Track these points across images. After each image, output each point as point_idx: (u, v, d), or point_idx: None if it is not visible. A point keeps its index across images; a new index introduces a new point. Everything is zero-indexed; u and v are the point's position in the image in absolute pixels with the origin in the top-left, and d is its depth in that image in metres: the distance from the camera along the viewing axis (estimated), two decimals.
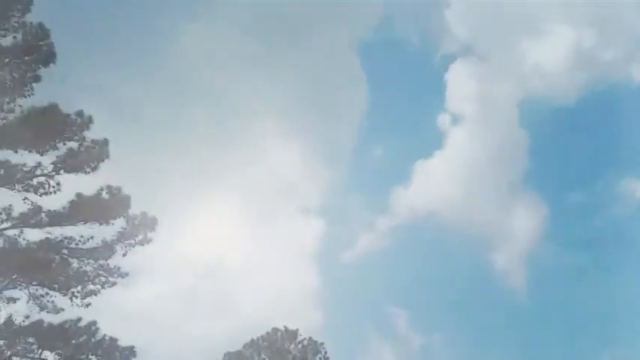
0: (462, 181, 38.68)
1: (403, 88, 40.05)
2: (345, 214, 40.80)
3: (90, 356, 17.48)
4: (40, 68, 17.13)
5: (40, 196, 17.24)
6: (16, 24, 16.84)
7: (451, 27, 39.60)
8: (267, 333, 32.68)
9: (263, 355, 32.07)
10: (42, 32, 17.03)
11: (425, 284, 37.57)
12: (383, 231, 38.21)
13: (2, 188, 17.00)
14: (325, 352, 31.83)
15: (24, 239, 17.29)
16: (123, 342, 17.87)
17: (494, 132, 38.59)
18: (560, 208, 35.55)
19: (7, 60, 16.82)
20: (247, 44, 38.12)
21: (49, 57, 17.09)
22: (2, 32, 16.76)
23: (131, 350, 17.88)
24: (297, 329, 33.26)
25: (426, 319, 36.14)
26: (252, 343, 31.93)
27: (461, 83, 37.73)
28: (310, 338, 32.79)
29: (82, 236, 17.60)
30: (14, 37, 16.88)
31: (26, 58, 16.91)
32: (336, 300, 36.91)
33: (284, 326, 33.09)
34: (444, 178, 37.98)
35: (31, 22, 16.85)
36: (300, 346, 33.01)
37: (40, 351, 17.39)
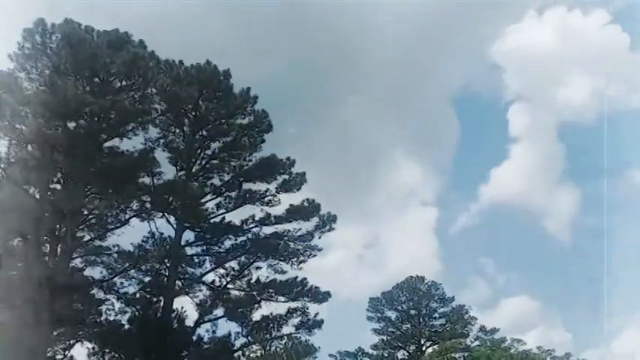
0: (522, 178, 57.42)
1: (483, 122, 58.57)
2: (449, 204, 60.38)
3: (304, 298, 28.54)
4: (264, 134, 28.32)
5: (269, 207, 28.51)
6: (249, 110, 28.05)
7: (507, 83, 59.55)
8: (406, 279, 47.72)
9: (405, 292, 46.68)
10: (263, 113, 28.03)
11: (502, 244, 58.42)
12: (474, 213, 57.56)
13: (249, 205, 28.45)
14: (443, 289, 46.28)
15: (262, 233, 28.63)
16: (322, 288, 28.70)
17: (540, 147, 57.79)
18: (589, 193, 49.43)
19: (245, 132, 28.13)
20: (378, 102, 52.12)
21: (268, 128, 28.16)
22: (242, 116, 28.06)
23: (327, 293, 28.61)
24: (424, 276, 48.13)
25: (504, 264, 55.76)
26: (397, 286, 47.44)
27: (517, 117, 56.44)
28: (432, 281, 47.74)
29: (294, 229, 28.42)
30: (249, 118, 28.20)
31: (256, 129, 28.11)
32: (447, 257, 54.71)
33: (416, 274, 48.59)
34: (511, 178, 56.39)
35: (257, 109, 28.06)
36: (425, 286, 48.39)
37: (276, 296, 28.63)
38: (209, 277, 27.82)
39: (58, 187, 24.47)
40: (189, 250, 27.69)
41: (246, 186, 28.02)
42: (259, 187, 28.03)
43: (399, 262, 56.98)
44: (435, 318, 49.29)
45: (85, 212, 24.50)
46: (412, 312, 49.08)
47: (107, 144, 25.05)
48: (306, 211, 28.21)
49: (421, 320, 49.02)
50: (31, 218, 22.74)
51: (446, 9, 52.09)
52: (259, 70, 42.50)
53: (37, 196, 23.88)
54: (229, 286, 27.68)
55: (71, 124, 24.29)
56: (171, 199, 26.23)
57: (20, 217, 22.61)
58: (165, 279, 26.28)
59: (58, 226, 24.00)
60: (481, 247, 59.39)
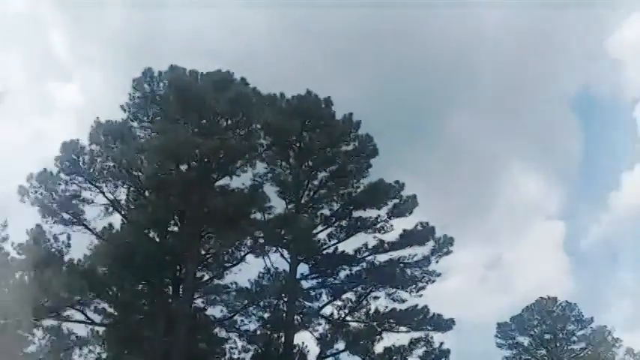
0: None
1: (607, 124, 56.63)
2: (577, 216, 61.11)
3: (427, 327, 29.23)
4: (369, 159, 29.64)
5: (382, 234, 29.63)
6: (353, 136, 29.50)
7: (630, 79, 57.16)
8: (536, 301, 46.63)
9: (536, 316, 45.49)
10: (368, 138, 29.38)
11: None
12: (606, 223, 56.40)
13: (361, 233, 29.73)
14: (579, 309, 44.46)
15: (377, 261, 29.71)
16: (445, 315, 29.03)
17: None
18: None
19: (351, 158, 29.57)
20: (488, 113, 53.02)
21: (374, 152, 29.45)
22: (346, 143, 29.55)
23: (451, 320, 29.12)
24: (556, 296, 46.81)
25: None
26: (527, 309, 46.39)
27: None
28: (566, 301, 46.25)
29: (410, 254, 29.34)
30: (353, 144, 29.65)
31: (362, 155, 29.47)
32: (581, 274, 54.12)
33: (547, 295, 47.27)
34: None
35: (361, 134, 29.44)
36: (559, 307, 46.89)
37: (397, 326, 29.54)
38: (327, 310, 29.17)
39: (176, 229, 26.84)
40: (304, 284, 29.15)
41: (356, 214, 29.20)
42: (370, 213, 29.17)
43: (527, 283, 56.50)
44: (574, 342, 48.04)
45: (203, 252, 26.67)
46: (547, 336, 48.08)
47: (218, 183, 26.99)
48: (420, 235, 29.03)
49: (558, 345, 47.97)
50: (152, 262, 25.17)
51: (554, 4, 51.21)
52: (356, 92, 44.16)
53: (157, 239, 26.38)
54: (348, 318, 28.82)
55: (183, 167, 26.63)
56: (283, 232, 27.83)
57: (143, 262, 25.10)
58: (284, 314, 27.85)
59: (178, 267, 26.33)
60: (618, 260, 57.18)
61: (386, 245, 29.21)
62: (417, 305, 29.04)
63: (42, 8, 44.25)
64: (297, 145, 29.08)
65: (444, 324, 28.85)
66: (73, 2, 42.13)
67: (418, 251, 29.16)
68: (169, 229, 26.69)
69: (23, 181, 25.21)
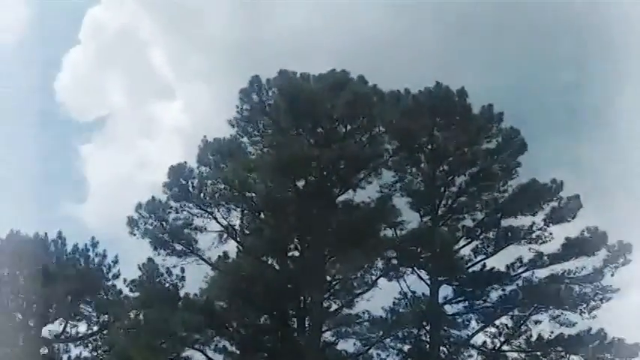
0: None
1: None
2: None
3: (605, 354, 25.47)
4: (517, 157, 26.39)
5: (539, 244, 26.26)
6: (495, 131, 26.39)
7: None
8: None
9: None
10: (513, 132, 26.19)
11: None
12: None
13: (513, 245, 26.55)
14: None
15: (536, 278, 26.41)
16: (627, 340, 25.38)
17: None
18: None
19: (494, 157, 26.49)
20: None
21: (522, 148, 26.17)
22: (487, 139, 26.50)
23: (637, 346, 25.27)
24: None
25: None
26: None
27: None
28: None
29: (576, 268, 25.80)
30: (496, 140, 26.53)
31: (507, 152, 26.25)
32: None
33: None
34: None
35: (505, 128, 26.30)
36: None
37: (567, 355, 26.02)
38: (478, 339, 26.43)
39: (296, 254, 25.21)
40: (449, 309, 26.57)
41: (505, 222, 26.18)
42: (522, 221, 26.00)
43: None
44: None
45: (328, 278, 24.79)
46: None
47: (340, 198, 25.16)
48: (588, 243, 25.38)
49: None
50: (274, 292, 23.62)
51: None
52: (491, 82, 39.99)
53: (277, 266, 24.88)
54: (504, 347, 25.85)
55: (301, 183, 24.93)
56: (419, 250, 25.48)
57: (263, 293, 23.63)
58: (427, 346, 25.45)
59: (302, 297, 24.64)
60: None
61: (545, 258, 25.92)
62: (590, 329, 25.50)
63: (141, 25, 44.65)
64: (429, 147, 26.42)
65: (627, 350, 25.04)
66: (171, 16, 42.07)
67: (587, 263, 25.68)
68: (289, 254, 25.19)
69: (132, 211, 24.64)
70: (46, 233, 30.67)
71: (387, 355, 25.57)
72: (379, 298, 25.53)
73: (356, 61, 29.86)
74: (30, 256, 30.00)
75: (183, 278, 24.61)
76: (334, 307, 25.17)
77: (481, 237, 26.45)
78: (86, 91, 45.59)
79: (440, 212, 26.52)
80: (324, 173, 24.72)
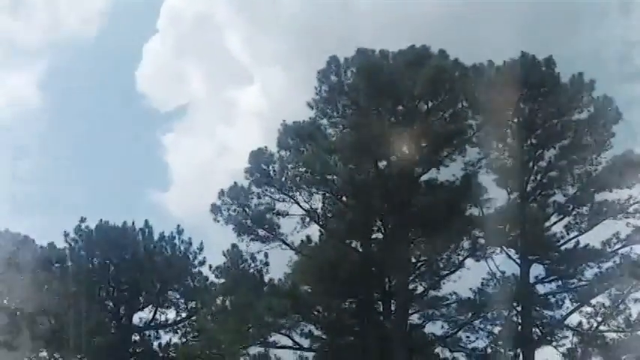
0: None
1: None
2: None
3: None
4: (611, 127, 25.95)
5: (637, 219, 25.85)
6: (586, 101, 25.95)
7: None
8: None
9: None
10: (607, 101, 25.69)
11: None
12: None
13: (609, 220, 26.21)
14: None
15: (634, 254, 26.05)
16: None
17: None
18: None
19: (586, 128, 26.13)
20: None
21: (616, 117, 25.64)
22: (578, 109, 26.17)
23: None
24: None
25: None
26: None
27: None
28: None
29: None
30: (587, 110, 26.15)
31: (600, 122, 25.88)
32: None
33: None
34: None
35: (597, 97, 25.88)
36: None
37: None
38: (573, 319, 26.18)
39: (380, 236, 25.75)
40: (540, 289, 26.41)
41: (599, 197, 25.82)
42: (618, 195, 25.51)
43: None
44: None
45: (413, 260, 25.27)
46: None
47: (423, 178, 25.50)
48: None
49: None
50: (358, 276, 24.32)
51: None
52: (580, 48, 38.87)
53: (360, 249, 25.52)
54: (602, 327, 25.63)
55: (382, 164, 25.43)
56: (507, 228, 25.53)
57: (348, 276, 24.35)
58: (519, 327, 25.50)
59: (387, 280, 25.23)
60: None
61: None
62: None
63: (217, 10, 45.80)
64: (515, 120, 26.24)
65: None
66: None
67: None
68: (373, 236, 25.67)
69: (215, 198, 25.71)
70: (133, 222, 32.37)
71: (477, 338, 25.70)
72: (466, 279, 25.81)
73: (435, 35, 29.94)
74: (119, 245, 31.89)
75: (267, 263, 25.53)
76: (420, 289, 25.63)
77: (573, 213, 26.16)
78: (166, 81, 47.33)
79: (528, 188, 26.35)
80: (406, 152, 25.05)
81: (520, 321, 25.73)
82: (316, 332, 25.18)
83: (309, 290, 25.08)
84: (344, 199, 25.86)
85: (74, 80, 46.77)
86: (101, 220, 32.16)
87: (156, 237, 32.22)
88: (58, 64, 46.10)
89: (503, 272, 26.11)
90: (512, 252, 25.97)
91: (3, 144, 43.31)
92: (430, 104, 25.22)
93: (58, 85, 45.70)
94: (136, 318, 32.57)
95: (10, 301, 32.37)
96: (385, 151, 25.08)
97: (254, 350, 25.03)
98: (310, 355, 25.39)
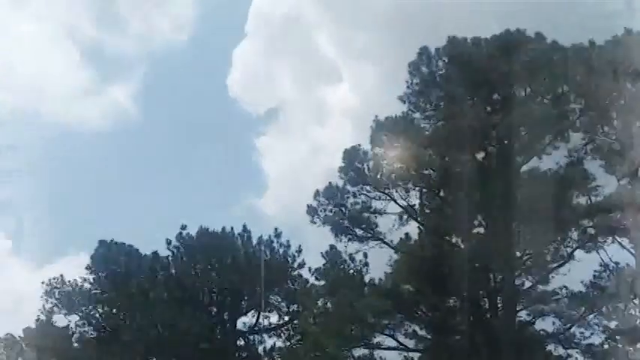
0: None
1: None
2: None
3: None
4: None
5: None
6: None
7: None
8: None
9: None
10: None
11: None
12: None
13: None
14: None
15: None
16: None
17: None
18: None
19: None
20: None
21: None
22: None
23: None
24: None
25: None
26: None
27: None
28: None
29: None
30: None
31: None
32: None
33: None
34: None
35: None
36: None
37: None
38: None
39: (481, 230, 25.54)
40: None
41: None
42: None
43: None
44: None
45: (518, 254, 24.91)
46: None
47: (525, 167, 25.12)
48: None
49: None
50: (460, 272, 24.22)
51: None
52: None
53: (461, 245, 25.40)
54: None
55: (480, 155, 25.23)
56: (619, 216, 24.71)
57: (450, 273, 24.33)
58: (638, 321, 24.66)
59: (491, 276, 24.99)
60: None
61: None
62: None
63: (305, 9, 46.28)
64: (622, 102, 25.39)
65: None
66: None
67: None
68: (474, 231, 25.46)
69: (310, 199, 26.25)
70: (232, 227, 33.46)
71: (592, 334, 24.93)
72: (577, 271, 25.11)
73: (529, 17, 29.26)
74: (219, 251, 33.04)
75: (366, 263, 25.87)
76: (527, 284, 25.15)
77: None
78: (257, 84, 48.35)
79: None
80: (505, 142, 24.79)
81: (639, 314, 24.89)
82: (420, 332, 25.22)
83: (411, 289, 25.20)
84: (442, 193, 25.84)
85: (168, 89, 48.63)
86: (201, 226, 33.39)
87: (254, 241, 33.16)
88: (153, 73, 48.07)
89: (616, 263, 25.22)
90: (625, 241, 25.09)
91: (103, 155, 45.61)
92: (528, 90, 24.89)
93: (152, 94, 47.66)
94: (240, 323, 33.57)
95: (119, 311, 34.12)
96: (483, 141, 24.92)
97: (358, 352, 25.38)
98: (416, 355, 25.50)
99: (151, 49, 48.23)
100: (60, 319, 35.26)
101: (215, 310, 33.86)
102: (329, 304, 25.75)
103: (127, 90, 49.61)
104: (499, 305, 24.80)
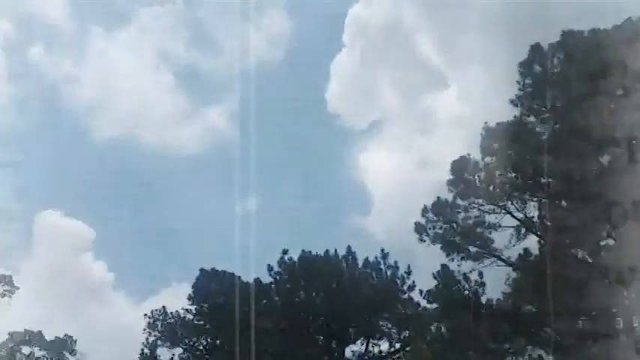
0: None
1: None
2: None
3: None
4: None
5: None
6: None
7: None
8: None
9: None
10: None
11: None
12: None
13: None
14: None
15: None
16: None
17: None
18: None
19: None
20: None
21: None
22: None
23: None
24: None
25: None
26: None
27: None
28: None
29: None
30: None
31: None
32: None
33: None
34: None
35: None
36: None
37: None
38: None
39: (611, 242, 23.70)
40: None
41: None
42: None
43: None
44: None
45: None
46: None
47: None
48: None
49: None
50: (588, 289, 22.47)
51: None
52: None
53: (589, 259, 23.65)
54: None
55: (605, 159, 23.58)
56: None
57: (576, 290, 22.59)
58: None
59: (624, 293, 23.10)
60: None
61: None
62: None
63: (404, 13, 45.47)
64: None
65: None
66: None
67: None
68: (601, 243, 23.68)
69: (418, 216, 25.34)
70: (335, 250, 32.74)
71: None
72: None
73: None
74: (323, 276, 32.31)
75: (482, 283, 24.72)
76: None
77: None
78: (357, 97, 47.74)
79: None
80: (634, 143, 23.00)
81: None
82: (546, 357, 23.59)
83: (534, 310, 23.64)
84: (563, 203, 24.21)
85: (264, 108, 48.66)
86: (303, 250, 32.86)
87: (360, 264, 32.32)
88: (248, 92, 48.22)
89: None
90: None
91: (202, 180, 45.86)
92: None
93: (249, 114, 47.83)
94: (348, 351, 32.70)
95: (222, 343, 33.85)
96: (609, 143, 23.18)
97: None
98: None
99: (246, 67, 48.47)
100: (164, 353, 35.32)
101: (322, 338, 33.06)
102: (443, 329, 24.56)
103: (223, 111, 50.06)
104: (636, 325, 22.74)
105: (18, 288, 36.08)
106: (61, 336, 37.75)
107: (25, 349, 37.14)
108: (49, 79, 48.94)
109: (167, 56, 51.75)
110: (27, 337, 37.13)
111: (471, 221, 24.91)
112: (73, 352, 37.80)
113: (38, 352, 37.29)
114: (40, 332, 37.28)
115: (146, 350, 35.09)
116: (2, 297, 35.30)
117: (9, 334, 36.75)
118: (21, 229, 44.10)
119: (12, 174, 41.78)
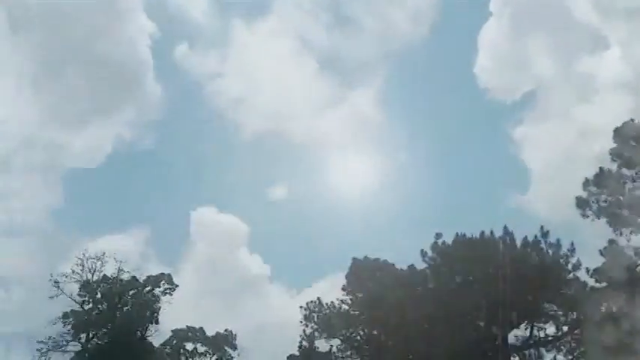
0: None
1: None
2: None
3: None
4: None
5: None
6: None
7: None
8: None
9: None
10: None
11: None
12: None
13: None
14: None
15: None
16: None
17: None
18: None
19: None
20: None
21: None
22: None
23: None
24: None
25: None
26: None
27: None
28: None
29: None
30: None
31: None
32: None
33: None
34: None
35: None
36: None
37: None
38: None
39: None
40: None
41: None
42: None
43: None
44: None
45: None
46: None
47: None
48: None
49: None
50: None
51: None
52: None
53: None
54: None
55: None
56: None
57: None
58: None
59: None
60: None
61: None
62: None
63: None
64: None
65: None
66: None
67: None
68: None
69: (579, 190, 24.72)
70: (492, 231, 32.15)
71: None
72: None
73: None
74: (480, 258, 31.91)
75: None
76: None
77: None
78: (509, 67, 46.62)
79: None
80: None
81: None
82: None
83: None
84: None
85: (411, 88, 48.55)
86: (457, 233, 32.60)
87: (518, 244, 31.63)
88: (394, 73, 48.17)
89: None
90: None
91: (347, 167, 46.23)
92: None
93: (394, 96, 47.82)
94: (512, 337, 32.10)
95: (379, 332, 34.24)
96: None
97: None
98: None
99: (390, 48, 48.42)
100: (321, 344, 36.11)
101: (482, 324, 32.65)
102: (615, 310, 23.74)
103: (368, 94, 50.37)
104: None
105: (177, 286, 38.23)
106: (222, 331, 39.63)
107: (189, 346, 39.36)
108: (193, 76, 50.93)
109: (308, 43, 52.55)
110: (189, 334, 39.23)
111: (639, 192, 23.94)
112: (234, 346, 39.54)
113: (201, 348, 39.36)
114: (201, 328, 39.33)
115: (305, 342, 36.02)
116: (163, 295, 37.54)
117: (172, 331, 39.04)
118: (177, 227, 46.52)
119: (166, 173, 43.98)
